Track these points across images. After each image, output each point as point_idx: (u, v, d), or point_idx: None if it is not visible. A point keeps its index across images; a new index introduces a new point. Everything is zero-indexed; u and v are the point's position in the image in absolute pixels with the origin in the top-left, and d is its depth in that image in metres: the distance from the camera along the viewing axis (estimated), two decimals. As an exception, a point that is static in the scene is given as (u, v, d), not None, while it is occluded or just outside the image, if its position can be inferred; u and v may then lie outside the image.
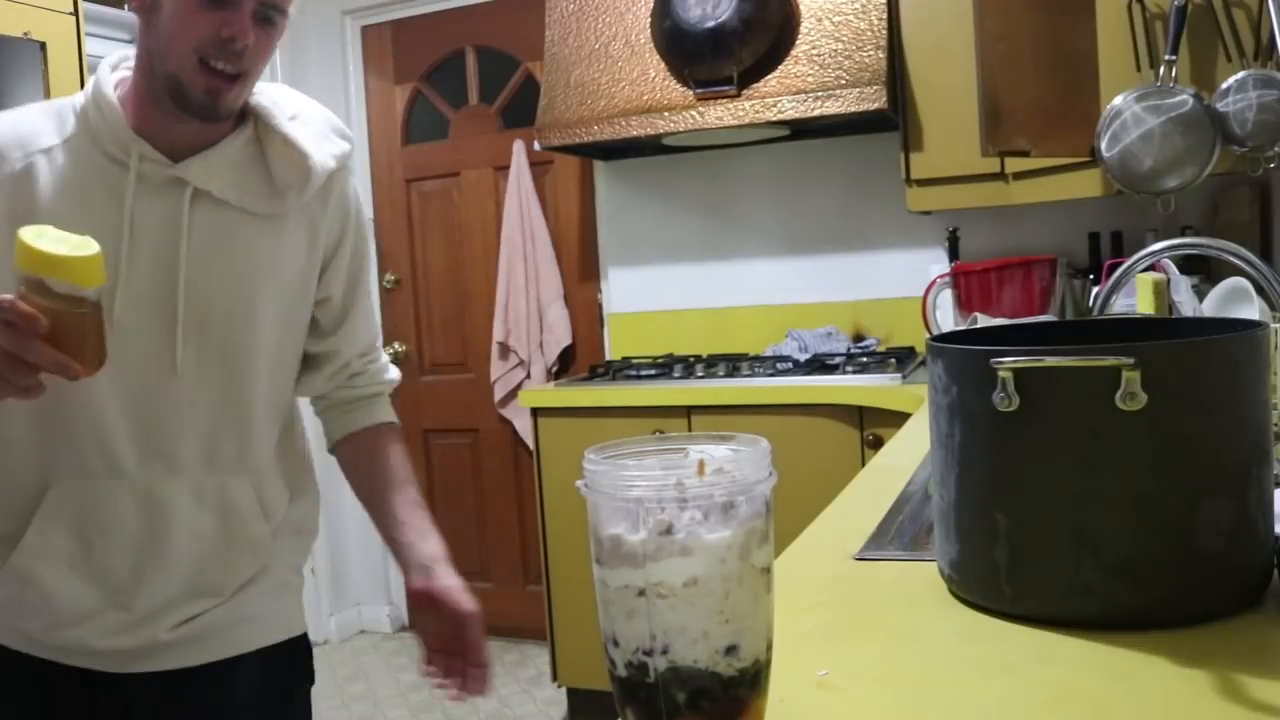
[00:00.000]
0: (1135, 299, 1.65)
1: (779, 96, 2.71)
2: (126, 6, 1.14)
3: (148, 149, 1.12)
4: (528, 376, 3.53)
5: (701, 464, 0.58)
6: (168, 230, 1.13)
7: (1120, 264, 1.44)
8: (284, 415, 1.26)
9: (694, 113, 2.78)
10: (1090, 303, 2.49)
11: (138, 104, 1.13)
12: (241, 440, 1.19)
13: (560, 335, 3.53)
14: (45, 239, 0.90)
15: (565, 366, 3.58)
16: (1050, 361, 0.73)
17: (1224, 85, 1.76)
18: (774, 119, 2.72)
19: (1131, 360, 0.70)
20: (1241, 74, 1.75)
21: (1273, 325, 0.94)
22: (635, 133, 2.85)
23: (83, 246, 0.92)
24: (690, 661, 0.57)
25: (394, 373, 1.38)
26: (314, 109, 1.25)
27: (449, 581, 1.21)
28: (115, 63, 1.19)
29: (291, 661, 1.27)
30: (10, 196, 1.10)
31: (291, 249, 1.21)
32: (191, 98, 1.09)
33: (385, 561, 3.93)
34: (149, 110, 1.13)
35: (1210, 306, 1.75)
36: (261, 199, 1.18)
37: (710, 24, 2.71)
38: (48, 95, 2.38)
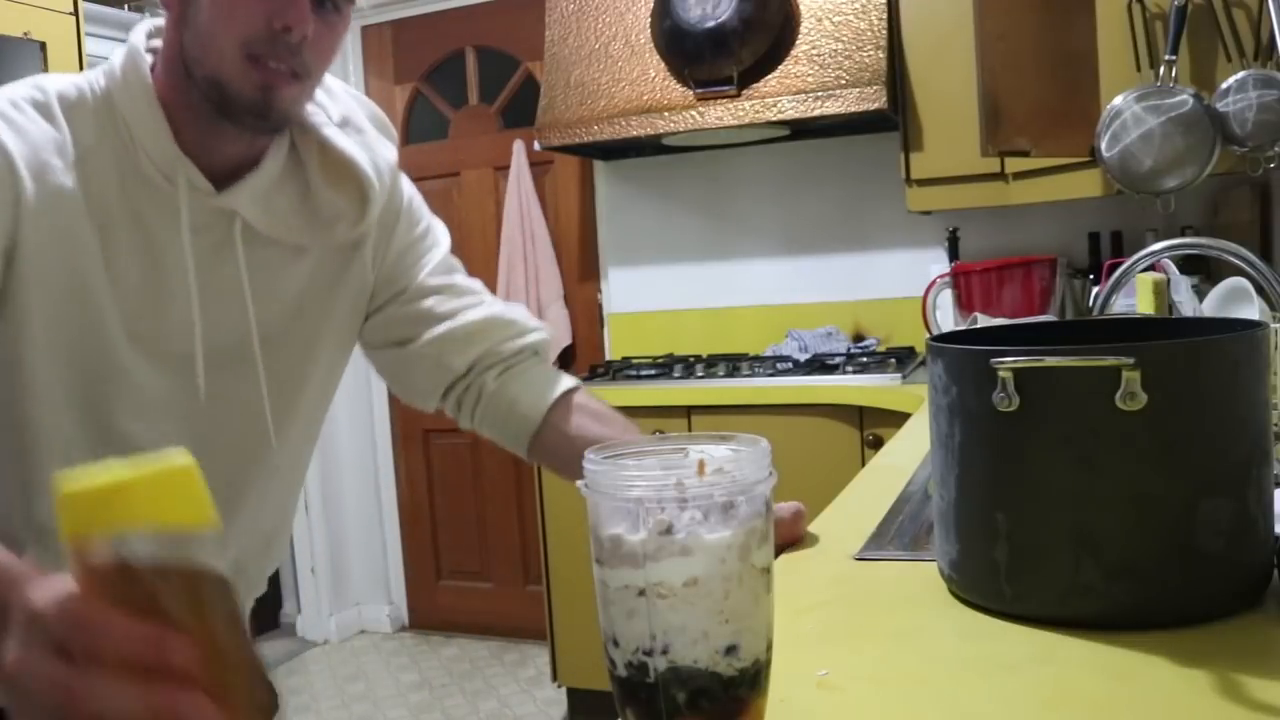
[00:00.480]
0: (1135, 299, 1.65)
1: (779, 96, 2.71)
2: (164, 7, 0.91)
3: (194, 173, 0.92)
4: (528, 376, 3.52)
5: (701, 464, 0.58)
6: (217, 274, 0.94)
7: (1120, 264, 1.44)
8: (302, 476, 1.12)
9: (694, 113, 2.78)
10: (1090, 303, 2.49)
11: (172, 107, 0.92)
12: (252, 518, 1.05)
13: (560, 335, 3.53)
14: (89, 475, 0.46)
15: (565, 366, 3.58)
16: (1050, 361, 0.73)
17: (1224, 85, 1.76)
18: (774, 119, 2.72)
19: (1131, 360, 0.70)
20: (1241, 74, 1.75)
21: (1273, 325, 0.94)
22: (635, 133, 2.85)
23: (159, 460, 0.47)
24: (690, 661, 0.57)
25: (539, 323, 1.15)
26: (360, 105, 1.06)
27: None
28: (147, 42, 0.94)
29: None
30: (49, 229, 0.85)
31: (333, 284, 1.04)
32: (239, 101, 0.89)
33: (385, 561, 3.93)
34: (185, 117, 0.92)
35: (1210, 306, 1.75)
36: (305, 229, 0.99)
37: (710, 24, 2.71)
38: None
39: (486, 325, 1.10)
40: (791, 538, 1.03)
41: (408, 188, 1.13)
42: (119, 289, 0.91)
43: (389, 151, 1.05)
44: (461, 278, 1.14)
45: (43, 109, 0.90)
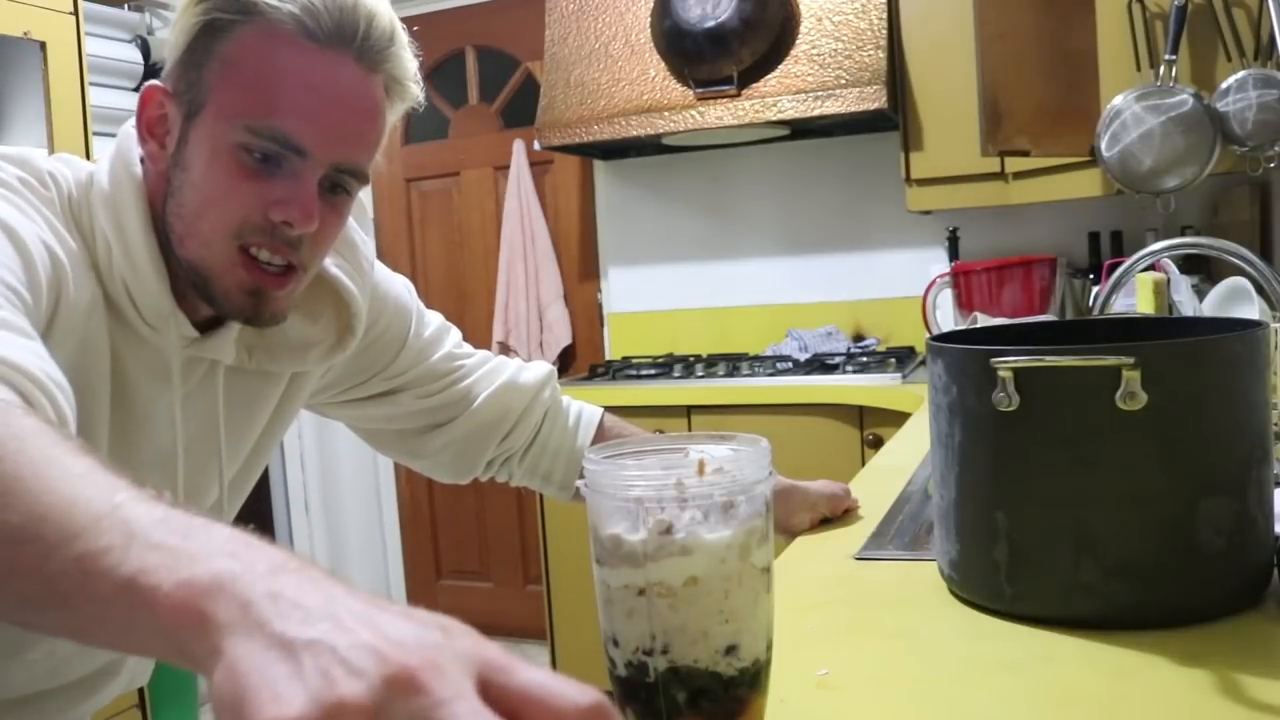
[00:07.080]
0: (1135, 299, 1.65)
1: (779, 96, 2.71)
2: (140, 142, 0.80)
3: (183, 322, 0.81)
4: (528, 376, 3.52)
5: (701, 464, 0.58)
6: (192, 420, 0.86)
7: (1120, 264, 1.44)
8: None
9: (694, 112, 2.78)
10: (1090, 303, 2.49)
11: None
12: None
13: (560, 335, 3.53)
14: None
15: (565, 366, 3.58)
16: (1051, 361, 0.73)
17: (1224, 85, 1.76)
18: (774, 119, 2.72)
19: (1132, 360, 0.70)
20: (1241, 74, 1.75)
21: (1273, 325, 0.94)
22: (635, 133, 2.85)
23: None
24: (690, 661, 0.57)
25: (533, 373, 1.11)
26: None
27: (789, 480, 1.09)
28: (134, 168, 0.79)
29: None
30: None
31: (294, 400, 0.97)
32: (225, 302, 0.79)
33: (385, 561, 3.93)
34: (170, 267, 0.81)
35: (1210, 306, 1.75)
36: (285, 358, 0.90)
37: (710, 24, 2.71)
38: (48, 95, 2.37)
39: (493, 415, 1.07)
40: (834, 511, 1.13)
41: (401, 302, 1.05)
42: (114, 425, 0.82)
43: (368, 266, 0.96)
44: (456, 350, 1.11)
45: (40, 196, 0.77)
